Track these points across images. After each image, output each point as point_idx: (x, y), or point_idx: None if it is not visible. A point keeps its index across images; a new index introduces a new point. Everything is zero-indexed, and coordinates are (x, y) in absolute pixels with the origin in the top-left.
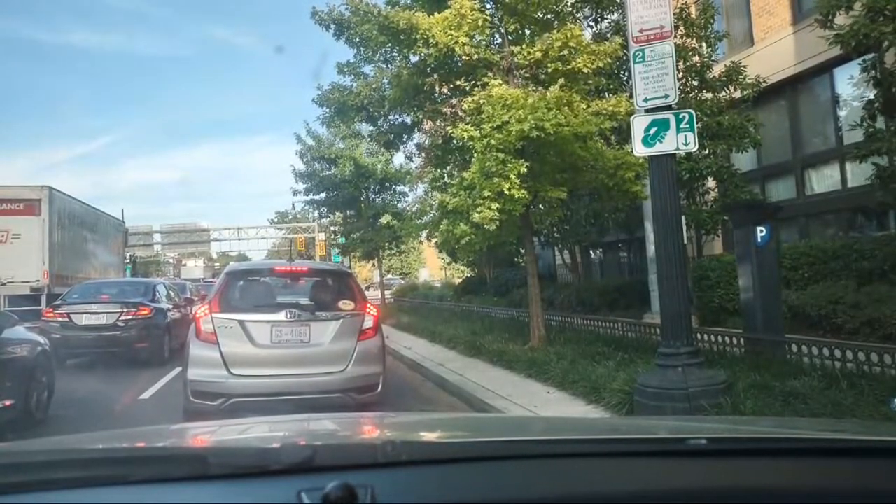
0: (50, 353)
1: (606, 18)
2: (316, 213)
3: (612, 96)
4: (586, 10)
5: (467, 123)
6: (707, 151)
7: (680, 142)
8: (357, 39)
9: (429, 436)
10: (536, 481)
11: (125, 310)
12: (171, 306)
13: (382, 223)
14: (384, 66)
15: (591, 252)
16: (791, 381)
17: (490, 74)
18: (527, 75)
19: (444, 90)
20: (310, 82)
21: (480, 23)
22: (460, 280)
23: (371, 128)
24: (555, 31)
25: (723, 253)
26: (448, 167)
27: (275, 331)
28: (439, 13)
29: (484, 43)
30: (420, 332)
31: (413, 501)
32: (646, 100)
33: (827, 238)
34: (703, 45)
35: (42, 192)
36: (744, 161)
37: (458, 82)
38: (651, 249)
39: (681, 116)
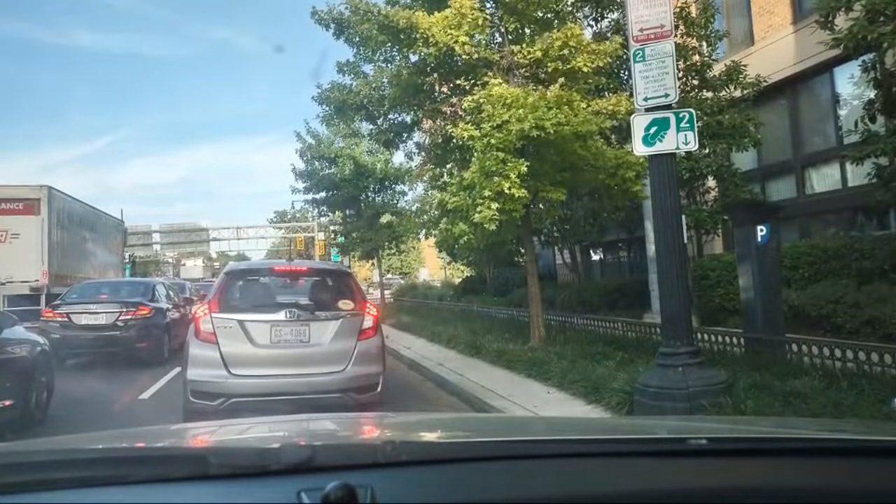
0: (49, 353)
1: (606, 18)
2: (315, 213)
3: (612, 95)
4: (586, 9)
5: (467, 123)
6: (707, 150)
7: (680, 141)
8: (357, 39)
9: (429, 436)
10: (537, 481)
11: (124, 309)
12: (170, 306)
13: (382, 222)
14: (384, 65)
15: (591, 252)
16: (791, 381)
17: (490, 73)
18: (527, 74)
19: (444, 89)
20: (310, 82)
21: (480, 22)
22: (460, 280)
23: (371, 126)
24: (555, 31)
25: (723, 252)
26: (448, 166)
27: (274, 331)
28: (439, 12)
29: (484, 42)
30: (420, 332)
31: (413, 501)
32: (646, 99)
33: (827, 237)
34: (704, 44)
35: (41, 192)
36: (744, 160)
37: (458, 81)
38: (651, 249)
39: (681, 115)
